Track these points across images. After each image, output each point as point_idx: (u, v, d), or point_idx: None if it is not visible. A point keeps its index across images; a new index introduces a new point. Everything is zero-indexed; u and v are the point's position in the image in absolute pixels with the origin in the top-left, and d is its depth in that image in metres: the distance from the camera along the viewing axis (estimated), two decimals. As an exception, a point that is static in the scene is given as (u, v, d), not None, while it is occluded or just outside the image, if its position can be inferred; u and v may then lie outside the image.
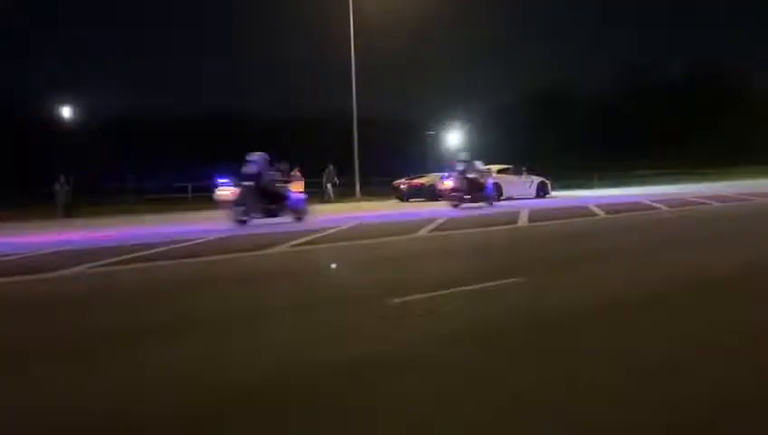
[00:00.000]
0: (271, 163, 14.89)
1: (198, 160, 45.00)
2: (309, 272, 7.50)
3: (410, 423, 2.70)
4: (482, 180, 20.00)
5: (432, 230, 11.61)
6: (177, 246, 10.00)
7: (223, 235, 11.73)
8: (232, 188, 14.12)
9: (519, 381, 3.16)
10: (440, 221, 13.34)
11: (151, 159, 44.67)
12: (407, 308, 4.96)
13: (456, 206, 19.01)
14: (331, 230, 11.87)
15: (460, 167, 19.71)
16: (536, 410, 2.78)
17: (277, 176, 14.83)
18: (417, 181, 27.79)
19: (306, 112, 56.01)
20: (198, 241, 10.59)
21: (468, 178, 19.39)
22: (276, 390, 3.17)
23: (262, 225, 13.85)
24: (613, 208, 15.58)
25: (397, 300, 5.14)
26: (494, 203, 20.02)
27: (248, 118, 56.32)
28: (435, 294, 5.36)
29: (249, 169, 14.37)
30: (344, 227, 12.56)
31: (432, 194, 26.29)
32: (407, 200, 26.56)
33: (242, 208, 14.05)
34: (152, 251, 9.31)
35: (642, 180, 40.83)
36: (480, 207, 18.70)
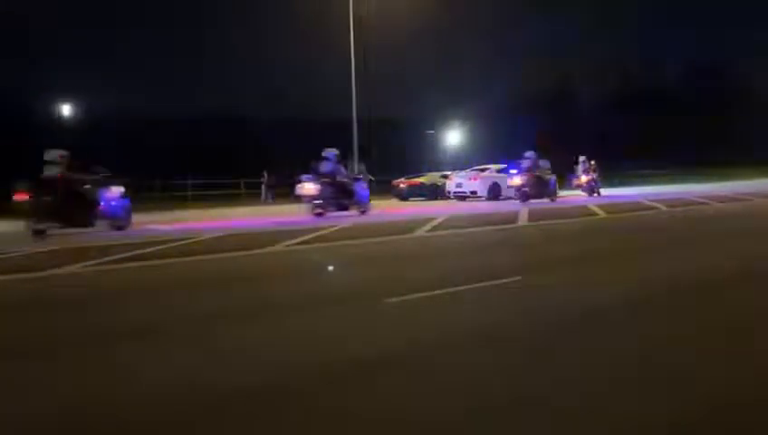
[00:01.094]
0: (342, 160, 16.64)
1: (197, 161, 44.98)
2: (305, 272, 7.48)
3: (410, 422, 2.69)
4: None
5: (431, 229, 11.60)
6: (172, 245, 9.98)
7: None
8: (313, 183, 15.41)
9: (519, 381, 3.15)
10: (439, 220, 13.32)
11: (150, 159, 44.64)
12: (405, 307, 4.95)
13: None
14: (328, 229, 11.84)
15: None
16: (536, 410, 2.76)
17: (348, 172, 16.56)
18: (416, 181, 27.78)
19: (305, 113, 55.98)
20: (194, 240, 10.55)
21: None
22: (275, 390, 3.15)
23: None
24: (612, 208, 15.56)
25: (395, 299, 5.13)
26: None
27: (247, 118, 56.25)
28: (434, 293, 5.35)
29: (325, 166, 15.78)
30: (343, 226, 12.54)
31: (432, 193, 26.29)
32: (406, 199, 26.56)
33: (320, 202, 15.39)
34: (147, 250, 9.29)
35: (642, 180, 40.83)
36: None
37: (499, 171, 24.59)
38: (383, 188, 31.67)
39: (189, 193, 34.48)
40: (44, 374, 3.57)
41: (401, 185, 27.76)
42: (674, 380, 3.10)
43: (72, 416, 2.92)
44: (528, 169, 20.25)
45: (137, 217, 14.05)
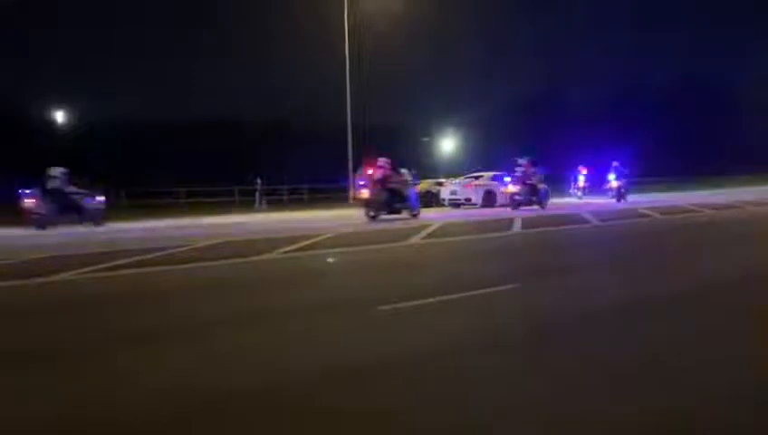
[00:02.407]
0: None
1: (196, 163, 44.91)
2: (300, 279, 7.50)
3: (407, 430, 2.73)
4: None
5: (426, 236, 11.63)
6: (166, 252, 9.98)
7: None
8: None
9: (514, 386, 3.20)
10: (434, 227, 13.36)
11: (147, 162, 44.60)
12: (399, 315, 4.98)
13: None
14: (323, 236, 11.87)
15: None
16: (533, 413, 2.81)
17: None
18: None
19: (302, 117, 55.96)
20: (194, 247, 10.56)
21: None
22: (272, 395, 3.19)
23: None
24: (605, 216, 15.63)
25: (388, 307, 5.16)
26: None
27: (244, 122, 56.25)
28: (427, 301, 5.38)
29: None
30: (340, 233, 12.57)
31: (426, 200, 26.32)
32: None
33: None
34: (143, 257, 9.28)
35: (637, 188, 40.93)
36: None
37: (493, 178, 24.63)
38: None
39: (185, 200, 34.41)
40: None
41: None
42: (674, 382, 3.15)
43: (72, 420, 2.95)
44: (620, 175, 25.53)
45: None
